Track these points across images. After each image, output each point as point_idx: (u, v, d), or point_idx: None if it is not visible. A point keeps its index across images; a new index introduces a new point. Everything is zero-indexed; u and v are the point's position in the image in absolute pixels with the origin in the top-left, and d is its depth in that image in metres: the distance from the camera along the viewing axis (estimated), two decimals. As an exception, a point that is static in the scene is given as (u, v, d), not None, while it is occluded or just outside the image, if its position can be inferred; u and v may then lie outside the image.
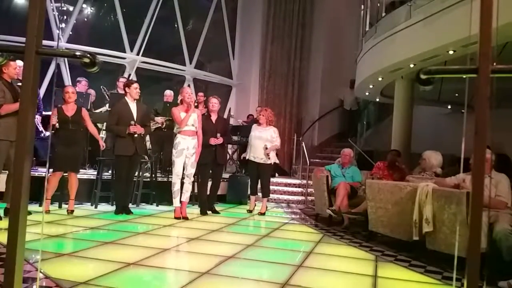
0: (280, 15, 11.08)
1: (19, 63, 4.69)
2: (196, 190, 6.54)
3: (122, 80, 7.35)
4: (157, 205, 6.35)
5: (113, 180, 5.95)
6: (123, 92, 5.86)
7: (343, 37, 11.33)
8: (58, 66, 8.48)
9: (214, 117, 6.15)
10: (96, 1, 9.76)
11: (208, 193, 6.26)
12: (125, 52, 9.43)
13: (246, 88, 11.50)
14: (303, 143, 9.36)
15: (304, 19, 11.25)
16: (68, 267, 3.06)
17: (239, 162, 8.96)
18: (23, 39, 0.95)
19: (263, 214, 6.34)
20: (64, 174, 5.30)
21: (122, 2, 9.39)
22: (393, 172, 5.77)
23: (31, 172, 1.05)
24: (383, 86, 8.58)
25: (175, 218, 5.40)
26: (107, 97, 7.38)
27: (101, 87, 7.62)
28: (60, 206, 5.52)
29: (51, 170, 5.16)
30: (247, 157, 6.62)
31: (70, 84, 7.83)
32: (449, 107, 10.44)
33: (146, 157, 6.36)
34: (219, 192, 6.66)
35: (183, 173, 5.51)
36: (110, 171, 6.41)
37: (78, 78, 7.37)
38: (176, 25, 10.49)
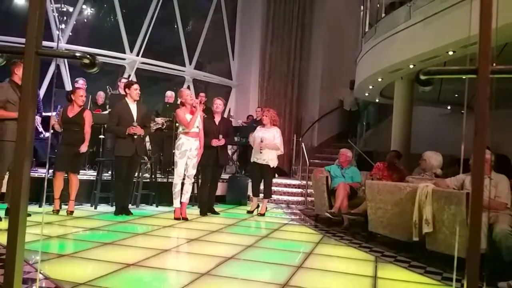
0: (280, 16, 11.07)
1: None
2: (196, 191, 6.53)
3: (123, 80, 7.36)
4: (156, 206, 6.34)
5: (113, 181, 5.95)
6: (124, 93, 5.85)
7: (343, 38, 11.33)
8: (58, 67, 8.49)
9: (217, 119, 6.09)
10: (96, 2, 9.77)
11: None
12: (124, 53, 9.43)
13: (245, 89, 11.48)
14: (302, 143, 9.35)
15: (304, 20, 11.24)
16: (68, 268, 3.06)
17: (239, 163, 8.96)
18: (23, 40, 0.95)
19: (263, 215, 6.33)
20: (65, 175, 5.29)
21: (121, 3, 9.39)
22: (392, 172, 5.76)
23: (31, 173, 1.05)
24: (382, 87, 8.57)
25: (175, 219, 5.40)
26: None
27: (107, 87, 7.63)
28: (60, 207, 5.51)
29: (51, 170, 5.15)
30: (251, 160, 6.58)
31: (70, 84, 7.83)
32: (448, 107, 10.43)
33: (146, 157, 6.36)
34: (218, 193, 6.65)
35: (184, 174, 5.52)
36: (109, 172, 6.41)
37: (76, 79, 7.37)
38: (175, 26, 10.49)
